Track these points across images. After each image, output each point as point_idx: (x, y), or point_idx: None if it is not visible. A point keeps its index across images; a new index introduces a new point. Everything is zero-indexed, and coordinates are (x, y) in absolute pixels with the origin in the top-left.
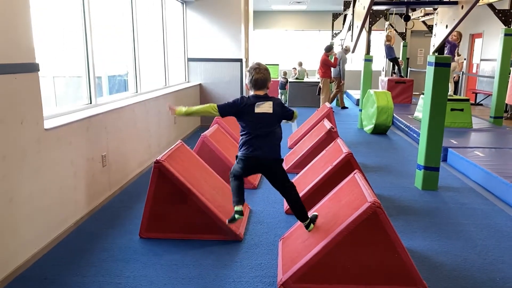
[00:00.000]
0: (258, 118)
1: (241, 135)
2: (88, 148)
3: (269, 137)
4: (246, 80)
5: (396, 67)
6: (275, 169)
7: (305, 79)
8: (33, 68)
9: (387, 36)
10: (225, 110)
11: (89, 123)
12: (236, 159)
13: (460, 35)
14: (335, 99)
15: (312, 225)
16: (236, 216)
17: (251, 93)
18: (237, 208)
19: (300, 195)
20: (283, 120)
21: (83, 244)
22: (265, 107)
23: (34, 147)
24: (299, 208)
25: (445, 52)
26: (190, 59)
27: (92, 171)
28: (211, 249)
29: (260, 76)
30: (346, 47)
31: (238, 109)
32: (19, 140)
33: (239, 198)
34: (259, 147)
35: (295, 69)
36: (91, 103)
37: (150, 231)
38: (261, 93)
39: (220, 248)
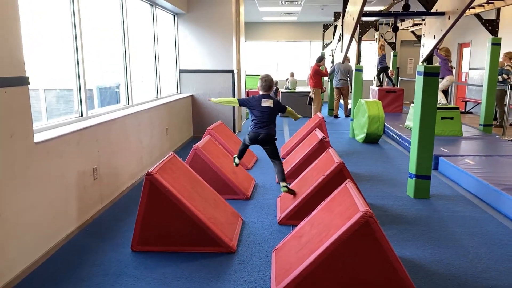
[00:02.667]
0: (263, 108)
1: (251, 120)
2: (79, 161)
3: (268, 121)
4: (258, 84)
5: (386, 77)
6: (270, 142)
7: (297, 89)
8: (23, 81)
9: (382, 46)
10: (242, 103)
11: (80, 136)
12: (247, 134)
13: (445, 50)
14: (326, 107)
15: (286, 189)
16: (235, 162)
17: (260, 93)
18: (236, 160)
19: (293, 205)
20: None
21: (73, 258)
22: (268, 103)
23: (24, 161)
24: (281, 175)
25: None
26: (182, 71)
27: (83, 184)
28: (204, 262)
29: (266, 83)
30: (348, 57)
31: (250, 104)
32: (8, 154)
33: (240, 155)
34: (260, 127)
35: (288, 79)
36: (82, 115)
37: (142, 244)
38: (266, 93)
39: (213, 261)
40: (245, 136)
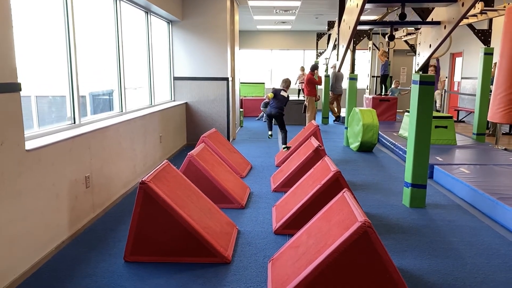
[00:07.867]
0: (279, 96)
1: (270, 104)
2: (71, 169)
3: (280, 105)
4: (280, 83)
5: (384, 85)
6: (280, 117)
7: (290, 97)
8: (15, 88)
9: (384, 53)
10: (274, 92)
11: (72, 143)
12: (266, 113)
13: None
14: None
15: (286, 148)
16: (269, 136)
17: (281, 87)
18: (270, 132)
19: (289, 214)
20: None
21: (65, 269)
22: (284, 94)
23: (14, 169)
24: (284, 139)
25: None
26: (176, 78)
27: (75, 193)
28: (198, 273)
29: (284, 83)
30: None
31: (274, 92)
32: None
33: (269, 128)
34: (275, 108)
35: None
36: (74, 123)
37: (135, 254)
38: (285, 88)
39: (207, 271)
40: (264, 114)
